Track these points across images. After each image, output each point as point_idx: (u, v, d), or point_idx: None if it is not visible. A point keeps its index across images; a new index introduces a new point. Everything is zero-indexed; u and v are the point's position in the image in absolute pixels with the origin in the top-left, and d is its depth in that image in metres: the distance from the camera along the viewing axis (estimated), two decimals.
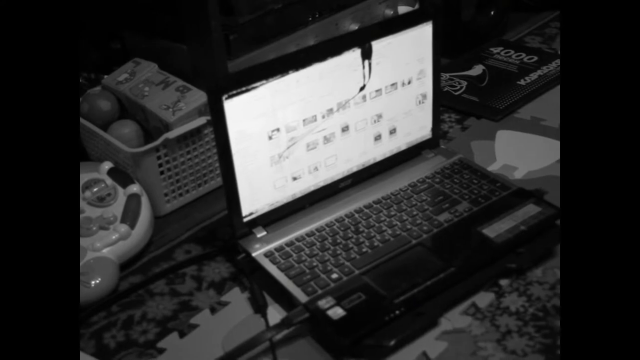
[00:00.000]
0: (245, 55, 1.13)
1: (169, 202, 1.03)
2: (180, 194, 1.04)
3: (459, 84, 1.29)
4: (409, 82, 1.00)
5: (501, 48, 1.41)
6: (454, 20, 1.38)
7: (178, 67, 1.12)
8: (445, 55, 1.30)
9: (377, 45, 0.95)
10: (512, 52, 1.38)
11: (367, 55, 0.95)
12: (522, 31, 1.50)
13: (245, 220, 0.91)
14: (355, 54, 0.93)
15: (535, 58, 1.35)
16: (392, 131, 1.01)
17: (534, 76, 1.29)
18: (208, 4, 1.03)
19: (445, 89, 1.27)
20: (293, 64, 0.89)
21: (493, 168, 1.07)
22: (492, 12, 1.44)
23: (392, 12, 1.33)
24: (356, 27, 1.27)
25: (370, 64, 0.95)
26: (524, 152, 1.11)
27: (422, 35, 0.99)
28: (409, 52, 0.99)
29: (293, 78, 0.89)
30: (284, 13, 1.18)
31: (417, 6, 1.36)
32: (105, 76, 1.14)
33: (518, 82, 1.28)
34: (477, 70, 1.33)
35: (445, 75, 1.31)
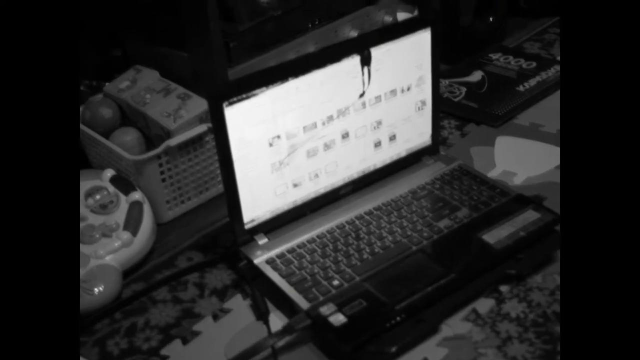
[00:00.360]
0: (246, 62, 1.14)
1: (170, 209, 1.03)
2: (182, 201, 1.04)
3: (458, 90, 1.29)
4: (408, 89, 1.01)
5: (500, 54, 1.41)
6: (452, 26, 1.39)
7: (179, 73, 1.13)
8: (444, 61, 1.30)
9: (376, 52, 0.95)
10: (511, 58, 1.39)
11: (366, 61, 0.95)
12: (521, 37, 1.51)
13: (246, 227, 0.91)
14: (354, 60, 0.94)
15: (534, 64, 1.36)
16: (392, 138, 1.02)
17: (532, 82, 1.30)
18: (207, 6, 1.03)
19: (445, 95, 1.28)
20: (293, 70, 0.90)
21: (493, 174, 1.08)
22: (490, 18, 1.45)
23: (391, 19, 1.34)
24: (355, 34, 1.28)
25: (369, 71, 0.96)
26: (523, 158, 1.12)
27: (420, 42, 1.00)
28: (408, 59, 0.99)
29: (293, 85, 0.89)
30: (283, 20, 1.18)
31: (416, 12, 1.37)
32: (107, 83, 1.15)
33: (517, 88, 1.28)
34: (476, 76, 1.34)
35: (444, 82, 1.32)
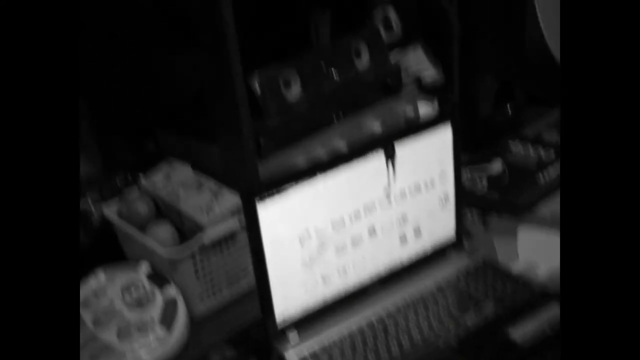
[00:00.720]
0: (275, 155, 1.18)
1: (203, 303, 1.06)
2: (215, 296, 1.07)
3: (480, 180, 1.33)
4: (432, 183, 1.05)
5: (519, 142, 1.45)
6: (472, 116, 1.43)
7: (211, 166, 1.18)
8: (465, 150, 1.34)
9: (400, 147, 0.99)
10: (530, 146, 1.43)
11: (390, 157, 1.00)
12: (540, 125, 1.54)
13: (278, 325, 0.94)
14: (379, 156, 0.98)
15: (553, 152, 1.40)
16: (417, 232, 1.05)
17: (552, 171, 1.33)
18: (239, 104, 1.08)
19: (467, 186, 1.31)
20: (321, 168, 0.94)
21: (516, 266, 1.10)
22: (509, 107, 1.49)
23: (412, 110, 1.39)
24: (379, 125, 1.33)
25: (394, 166, 1.00)
26: (546, 249, 1.14)
27: (442, 136, 1.04)
28: (430, 153, 1.03)
29: (322, 181, 0.93)
30: (310, 114, 1.23)
31: (435, 102, 1.41)
32: (142, 176, 1.20)
33: (537, 178, 1.31)
34: (496, 165, 1.37)
35: (465, 171, 1.35)
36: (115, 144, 1.34)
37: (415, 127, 1.04)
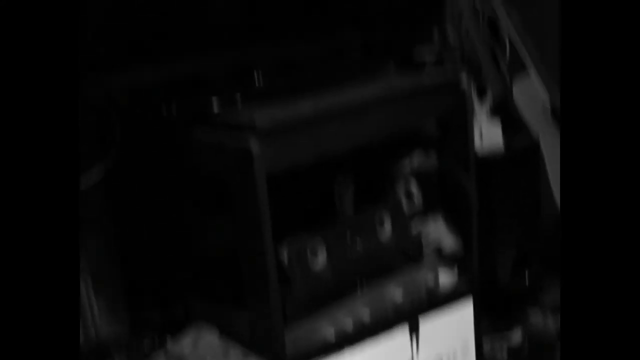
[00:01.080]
0: (299, 324, 1.21)
1: None
2: None
3: (500, 351, 1.34)
4: (454, 357, 1.07)
5: (538, 310, 1.47)
6: (491, 283, 1.47)
7: (238, 332, 1.20)
8: (485, 317, 1.36)
9: (423, 321, 1.02)
10: (549, 315, 1.45)
11: (414, 331, 1.02)
12: (558, 293, 1.57)
13: None
14: (403, 330, 1.01)
15: None
16: None
17: None
18: (268, 271, 1.12)
19: (487, 357, 1.32)
20: (348, 341, 0.97)
21: None
22: (526, 275, 1.53)
23: (433, 278, 1.42)
24: (400, 294, 1.36)
25: (417, 340, 1.03)
26: None
27: (463, 310, 1.07)
28: (452, 327, 1.06)
29: (349, 355, 0.96)
30: (334, 282, 1.27)
31: (455, 270, 1.45)
32: (169, 339, 1.22)
33: (557, 349, 1.33)
34: (516, 335, 1.39)
35: (486, 342, 1.37)
36: (143, 305, 1.38)
37: (437, 301, 1.07)
